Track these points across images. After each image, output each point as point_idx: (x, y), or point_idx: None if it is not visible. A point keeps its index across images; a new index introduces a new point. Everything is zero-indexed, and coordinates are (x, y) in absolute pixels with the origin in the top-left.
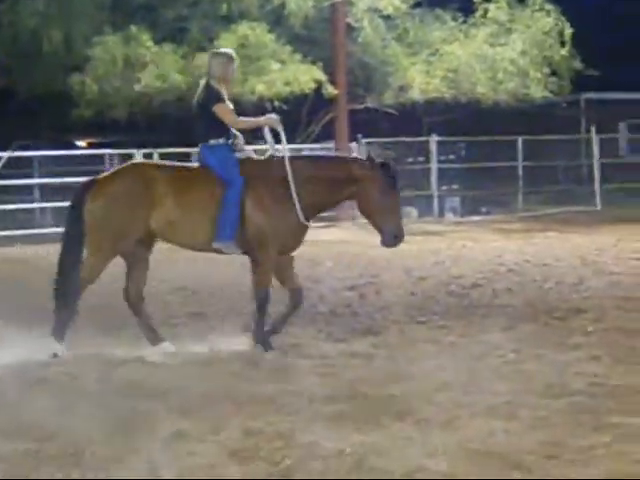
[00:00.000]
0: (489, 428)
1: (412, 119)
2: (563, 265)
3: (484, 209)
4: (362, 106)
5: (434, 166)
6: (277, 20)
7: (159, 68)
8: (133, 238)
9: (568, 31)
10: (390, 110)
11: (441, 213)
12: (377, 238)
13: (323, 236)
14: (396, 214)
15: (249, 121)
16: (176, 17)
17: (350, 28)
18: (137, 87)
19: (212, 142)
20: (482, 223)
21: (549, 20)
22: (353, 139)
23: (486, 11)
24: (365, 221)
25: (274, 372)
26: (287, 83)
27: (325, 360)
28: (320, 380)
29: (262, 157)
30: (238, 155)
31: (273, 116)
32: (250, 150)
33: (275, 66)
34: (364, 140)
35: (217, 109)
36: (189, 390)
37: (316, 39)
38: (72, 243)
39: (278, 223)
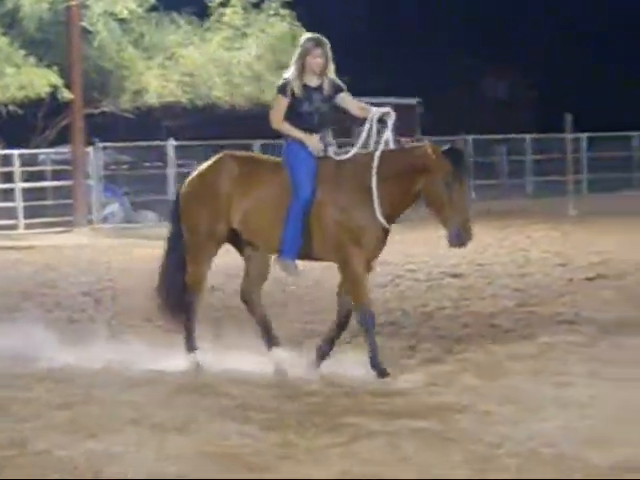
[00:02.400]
0: (224, 431)
1: (151, 123)
2: None
3: None
4: (98, 110)
5: (171, 170)
6: (11, 24)
7: None
8: (219, 238)
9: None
10: (127, 114)
11: None
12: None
13: (58, 241)
14: (462, 209)
15: (291, 131)
16: None
17: (86, 32)
18: None
19: (291, 138)
20: None
21: (284, 25)
22: (90, 143)
23: (222, 15)
24: (101, 226)
25: (3, 378)
26: (21, 87)
27: (62, 366)
28: (55, 386)
29: (344, 156)
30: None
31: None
32: (332, 148)
33: (9, 70)
34: (101, 144)
35: (274, 101)
36: None
37: (51, 42)
38: (173, 242)
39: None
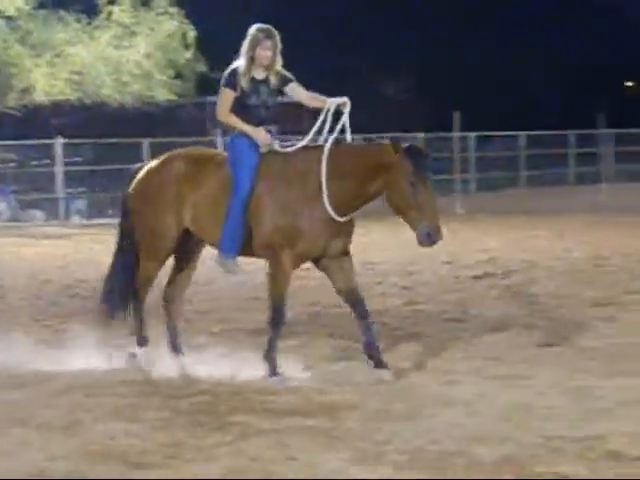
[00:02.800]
0: (111, 430)
1: (39, 121)
2: None
3: (111, 211)
4: None
5: (59, 169)
6: None
7: None
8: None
9: (192, 34)
10: (13, 112)
11: (67, 216)
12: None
13: None
14: (429, 208)
15: (238, 124)
16: None
17: None
18: None
19: (235, 132)
20: (109, 226)
21: (173, 23)
22: None
23: (110, 13)
24: None
25: None
26: None
27: None
28: None
29: (288, 148)
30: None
31: (333, 100)
32: (274, 142)
33: None
34: None
35: (219, 94)
36: None
37: None
38: (122, 241)
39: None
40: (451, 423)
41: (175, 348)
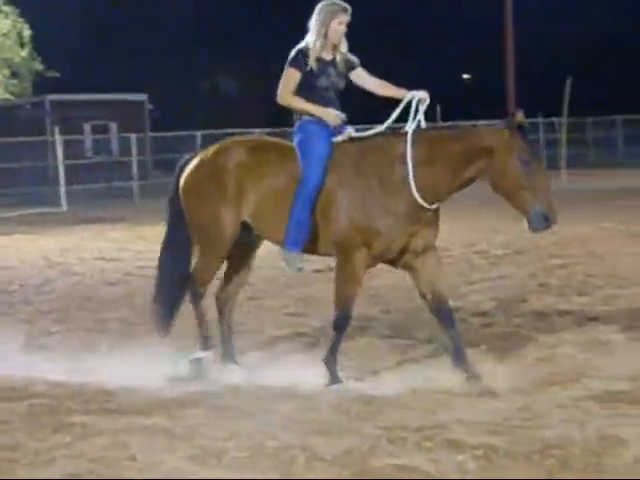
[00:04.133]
0: None
1: None
2: (28, 267)
3: None
4: None
5: None
6: None
7: None
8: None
9: (27, 33)
10: None
11: None
12: None
13: None
14: (545, 189)
15: (305, 106)
16: None
17: None
18: None
19: (304, 117)
20: None
21: (7, 22)
22: None
23: None
24: None
25: None
26: None
27: None
28: None
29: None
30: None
31: (415, 93)
32: (349, 129)
33: None
34: None
35: (284, 74)
36: None
37: None
38: (174, 232)
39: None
40: (291, 417)
41: (229, 354)
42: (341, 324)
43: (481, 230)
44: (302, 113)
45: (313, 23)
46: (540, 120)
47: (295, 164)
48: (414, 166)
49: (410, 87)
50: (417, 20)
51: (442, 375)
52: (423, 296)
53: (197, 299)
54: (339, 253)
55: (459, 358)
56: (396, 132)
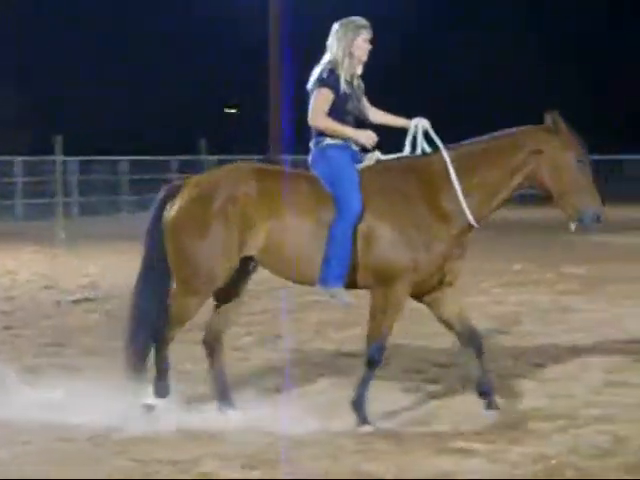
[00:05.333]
0: None
1: None
2: None
3: None
4: None
5: None
6: None
7: None
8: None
9: None
10: None
11: None
12: None
13: None
14: (595, 188)
15: (339, 128)
16: None
17: None
18: None
19: (327, 141)
20: None
21: None
22: None
23: None
24: None
25: None
26: None
27: None
28: None
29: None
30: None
31: (418, 121)
32: (376, 152)
33: None
34: None
35: (315, 95)
36: None
37: None
38: (150, 268)
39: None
40: (46, 448)
41: (224, 398)
42: (378, 358)
43: None
44: (339, 136)
45: (336, 42)
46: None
47: (322, 193)
48: (460, 183)
49: None
50: None
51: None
52: (450, 327)
53: (165, 344)
54: (380, 283)
55: (487, 387)
56: (425, 154)
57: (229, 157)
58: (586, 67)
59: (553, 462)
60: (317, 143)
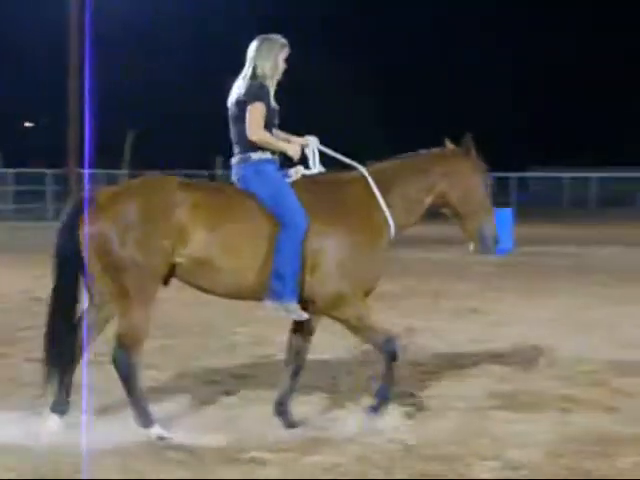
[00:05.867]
0: None
1: None
2: None
3: None
4: None
5: None
6: None
7: None
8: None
9: None
10: None
11: None
12: None
13: None
14: (492, 213)
15: (274, 141)
16: None
17: None
18: None
19: (255, 156)
20: None
21: None
22: None
23: None
24: None
25: None
26: None
27: None
28: None
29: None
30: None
31: (311, 138)
32: (299, 166)
33: None
34: None
35: (251, 109)
36: None
37: None
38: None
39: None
40: None
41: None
42: (393, 348)
43: (40, 277)
44: (273, 149)
45: (262, 57)
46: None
47: (260, 209)
48: (385, 199)
49: None
50: None
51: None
52: (298, 342)
53: (132, 370)
54: (339, 304)
55: (285, 405)
56: (345, 171)
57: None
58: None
59: (341, 470)
60: (245, 159)
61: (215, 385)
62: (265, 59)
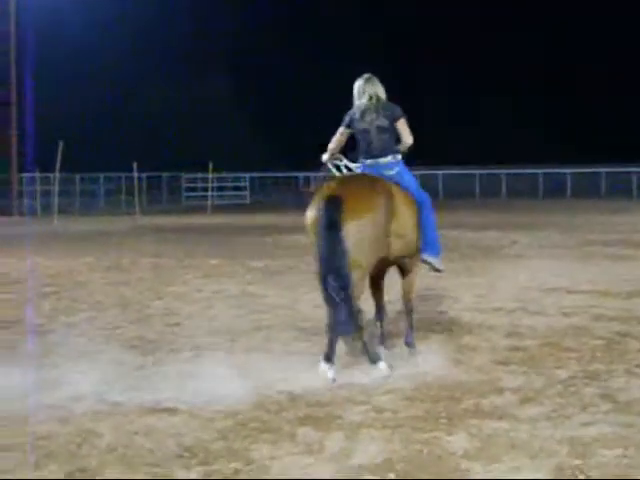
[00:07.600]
0: None
1: None
2: None
3: None
4: None
5: None
6: None
7: None
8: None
9: None
10: None
11: None
12: None
13: None
14: None
15: None
16: None
17: None
18: None
19: (400, 157)
20: None
21: None
22: None
23: None
24: None
25: None
26: None
27: None
28: None
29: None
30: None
31: None
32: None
33: None
34: None
35: (405, 121)
36: None
37: None
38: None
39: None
40: None
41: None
42: (412, 307)
43: None
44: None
45: (377, 86)
46: (38, 175)
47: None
48: None
49: None
50: None
51: None
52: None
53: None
54: (411, 261)
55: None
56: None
57: None
58: None
59: (240, 417)
60: (396, 160)
61: (134, 349)
62: (378, 87)
